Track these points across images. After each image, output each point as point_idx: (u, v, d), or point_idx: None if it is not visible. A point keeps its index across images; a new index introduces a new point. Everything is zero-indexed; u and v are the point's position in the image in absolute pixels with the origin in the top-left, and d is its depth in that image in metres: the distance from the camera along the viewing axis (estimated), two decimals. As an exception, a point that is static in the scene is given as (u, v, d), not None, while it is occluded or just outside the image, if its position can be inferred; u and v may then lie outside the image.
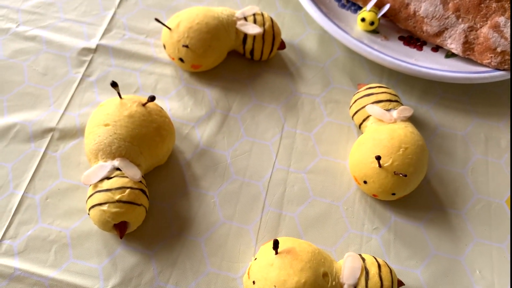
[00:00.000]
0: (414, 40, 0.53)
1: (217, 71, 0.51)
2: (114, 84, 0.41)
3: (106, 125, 0.41)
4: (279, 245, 0.36)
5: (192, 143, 0.46)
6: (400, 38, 0.53)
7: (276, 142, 0.47)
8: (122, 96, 0.42)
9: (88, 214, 0.39)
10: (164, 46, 0.49)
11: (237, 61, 0.52)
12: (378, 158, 0.41)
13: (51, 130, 0.46)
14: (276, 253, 0.36)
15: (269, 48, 0.50)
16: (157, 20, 0.48)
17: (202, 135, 0.47)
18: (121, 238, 0.39)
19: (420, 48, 0.53)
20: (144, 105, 0.42)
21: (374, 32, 0.53)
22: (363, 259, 0.38)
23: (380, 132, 0.43)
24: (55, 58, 0.50)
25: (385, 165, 0.41)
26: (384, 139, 0.42)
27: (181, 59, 0.48)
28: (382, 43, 0.52)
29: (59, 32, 0.52)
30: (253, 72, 0.51)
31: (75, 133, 0.46)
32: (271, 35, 0.49)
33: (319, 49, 0.54)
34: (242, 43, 0.49)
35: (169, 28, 0.48)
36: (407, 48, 0.53)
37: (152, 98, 0.41)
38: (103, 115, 0.41)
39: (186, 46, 0.47)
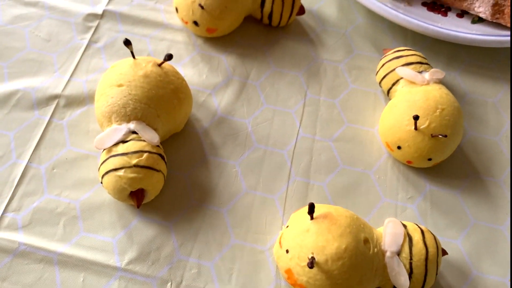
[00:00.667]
0: (438, 6, 0.50)
1: (233, 37, 0.48)
2: (127, 42, 0.37)
3: (120, 85, 0.37)
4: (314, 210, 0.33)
5: (210, 111, 0.43)
6: (424, 4, 0.51)
7: (299, 110, 0.44)
8: (135, 56, 0.39)
9: (101, 182, 0.36)
10: (177, 10, 0.46)
11: (253, 27, 0.48)
12: (416, 118, 0.38)
13: (56, 96, 0.42)
14: (312, 218, 0.33)
15: (289, 12, 0.47)
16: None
17: (219, 103, 0.43)
18: (138, 207, 0.35)
19: (444, 14, 0.50)
20: (160, 65, 0.39)
21: (397, -3, 0.50)
22: (404, 226, 0.35)
23: (414, 94, 0.40)
24: (59, 24, 0.47)
25: (421, 127, 0.38)
26: (419, 100, 0.39)
27: (195, 22, 0.45)
28: (406, 8, 0.49)
29: (63, -3, 0.48)
30: (270, 38, 0.48)
31: (83, 99, 0.42)
32: (292, -3, 0.46)
33: (338, 15, 0.51)
34: (260, 6, 0.46)
35: (182, -10, 0.45)
36: (431, 14, 0.50)
37: (169, 57, 0.38)
38: (116, 75, 0.38)
39: (202, 7, 0.43)
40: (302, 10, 0.48)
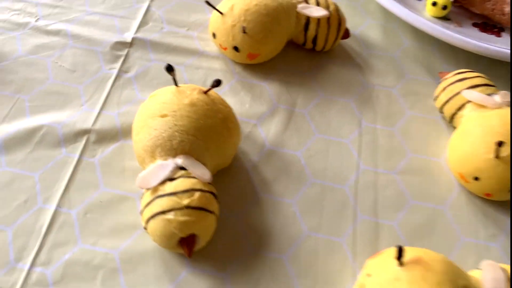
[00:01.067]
0: (490, 26, 0.47)
1: (274, 63, 0.44)
2: (169, 68, 0.33)
3: (164, 116, 0.33)
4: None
5: (257, 143, 0.38)
6: (475, 25, 0.47)
7: (355, 140, 0.39)
8: (177, 84, 0.34)
9: (145, 228, 0.31)
10: (214, 35, 0.42)
11: (295, 52, 0.45)
12: (499, 144, 0.33)
13: (85, 132, 0.37)
14: (401, 264, 0.28)
15: (335, 35, 0.43)
16: (207, 2, 0.41)
17: (267, 134, 0.39)
18: (189, 256, 0.30)
19: (498, 34, 0.47)
20: (206, 92, 0.34)
21: (445, 19, 0.47)
22: (502, 269, 0.30)
23: (488, 119, 0.36)
24: (84, 53, 0.42)
25: (503, 155, 0.34)
26: (496, 125, 0.35)
27: (235, 48, 0.41)
28: (456, 29, 0.46)
29: (87, 26, 0.44)
30: (314, 63, 0.44)
31: (116, 134, 0.37)
32: (337, 20, 0.43)
33: (384, 38, 0.47)
34: (303, 29, 0.43)
35: (221, 13, 0.41)
36: (483, 34, 0.46)
37: (217, 82, 0.33)
38: (159, 105, 0.33)
39: (244, 31, 0.39)
40: (347, 34, 0.45)
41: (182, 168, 0.32)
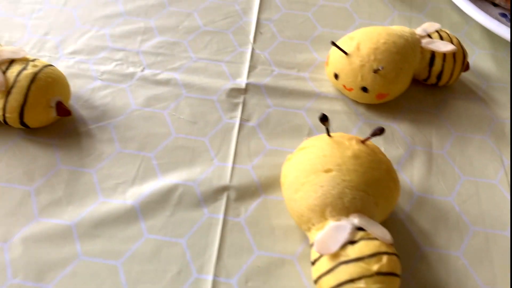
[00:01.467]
0: None
1: (397, 102, 0.41)
2: (324, 118, 0.31)
3: (328, 170, 0.30)
4: None
5: (404, 190, 0.36)
6: None
7: (503, 179, 0.37)
8: (330, 134, 0.32)
9: (325, 297, 0.28)
10: (336, 76, 0.40)
11: (416, 89, 0.43)
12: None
13: (224, 189, 0.35)
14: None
15: (459, 69, 0.41)
16: (333, 43, 0.39)
17: (411, 180, 0.36)
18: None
19: None
20: (364, 141, 0.32)
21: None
22: None
23: None
24: (200, 103, 0.40)
25: None
26: None
27: (364, 89, 0.39)
28: None
29: (196, 73, 0.42)
30: (437, 99, 0.42)
31: (255, 190, 0.35)
32: (462, 53, 0.41)
33: (499, 69, 0.45)
34: (428, 65, 0.41)
35: (346, 53, 0.39)
36: None
37: (380, 130, 0.31)
38: (318, 159, 0.31)
39: (376, 71, 0.37)
40: (467, 67, 0.42)
41: (359, 228, 0.29)
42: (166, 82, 0.41)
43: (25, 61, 0.36)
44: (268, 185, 0.35)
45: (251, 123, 0.39)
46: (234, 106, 0.40)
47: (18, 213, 0.33)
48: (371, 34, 0.39)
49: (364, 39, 0.39)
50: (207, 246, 0.32)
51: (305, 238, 0.33)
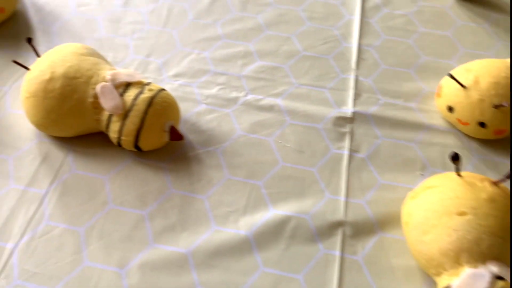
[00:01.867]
0: None
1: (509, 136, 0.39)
2: (455, 158, 0.29)
3: (462, 213, 0.28)
4: None
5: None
6: None
7: None
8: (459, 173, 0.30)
9: None
10: (450, 109, 0.38)
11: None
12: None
13: (339, 224, 0.34)
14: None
15: None
16: (450, 75, 0.37)
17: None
18: None
19: None
20: (497, 183, 0.30)
21: None
22: None
23: None
24: (306, 130, 0.39)
25: None
26: None
27: (481, 124, 0.37)
28: None
29: (299, 99, 0.41)
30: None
31: (372, 226, 0.33)
32: None
33: None
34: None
35: (463, 86, 0.37)
36: None
37: (517, 175, 0.29)
38: (451, 200, 0.29)
39: (498, 106, 0.35)
40: None
41: (498, 277, 0.27)
42: (270, 108, 0.41)
43: (140, 84, 0.36)
44: (385, 222, 0.34)
45: (361, 154, 0.38)
46: (341, 136, 0.39)
47: (134, 238, 0.33)
48: (490, 67, 0.37)
49: (483, 72, 0.37)
50: (325, 284, 0.31)
51: (428, 281, 0.31)
